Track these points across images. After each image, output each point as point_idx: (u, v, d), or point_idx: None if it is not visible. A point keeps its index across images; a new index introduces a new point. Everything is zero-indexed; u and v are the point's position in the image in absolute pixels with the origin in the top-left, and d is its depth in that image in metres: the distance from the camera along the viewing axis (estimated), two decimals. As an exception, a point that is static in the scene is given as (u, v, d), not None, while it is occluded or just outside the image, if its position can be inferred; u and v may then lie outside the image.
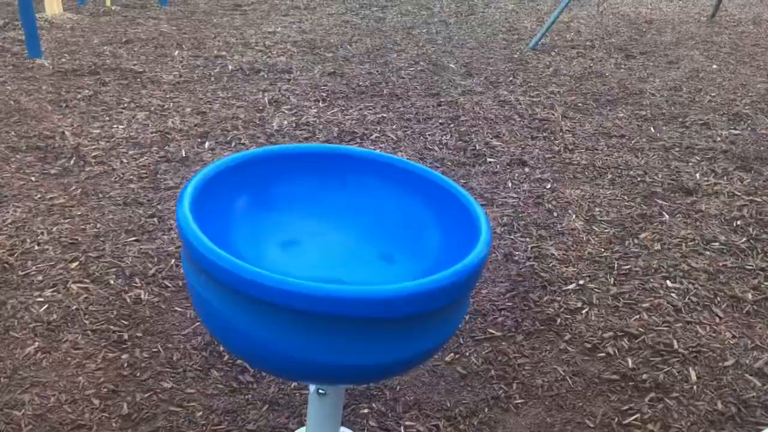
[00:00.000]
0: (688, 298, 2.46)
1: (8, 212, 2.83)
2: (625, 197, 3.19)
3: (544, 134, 3.94)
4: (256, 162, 1.39)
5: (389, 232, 1.38)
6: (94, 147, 3.51)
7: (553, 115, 4.25)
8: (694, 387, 2.04)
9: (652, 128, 4.11)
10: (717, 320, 2.35)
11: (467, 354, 2.13)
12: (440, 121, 4.06)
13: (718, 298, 2.47)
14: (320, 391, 1.36)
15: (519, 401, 1.95)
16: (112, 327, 2.18)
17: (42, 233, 2.69)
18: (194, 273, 1.12)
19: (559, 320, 2.30)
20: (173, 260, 2.54)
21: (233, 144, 3.61)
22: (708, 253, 2.77)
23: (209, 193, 1.26)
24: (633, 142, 3.88)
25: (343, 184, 1.45)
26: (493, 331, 2.23)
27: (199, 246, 1.04)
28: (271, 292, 0.98)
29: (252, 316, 1.04)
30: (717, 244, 2.83)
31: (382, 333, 1.06)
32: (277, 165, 1.43)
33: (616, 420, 1.91)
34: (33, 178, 3.14)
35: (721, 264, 2.69)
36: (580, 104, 4.47)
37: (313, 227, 1.41)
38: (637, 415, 1.93)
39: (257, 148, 1.41)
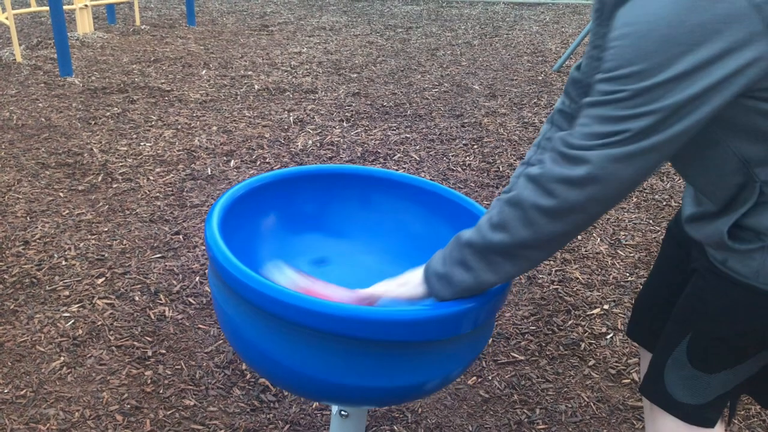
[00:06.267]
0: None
1: (37, 227, 2.87)
2: (651, 221, 3.16)
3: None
4: (283, 181, 1.40)
5: (416, 253, 1.38)
6: (121, 164, 3.56)
7: (578, 137, 4.23)
8: (722, 416, 2.00)
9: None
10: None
11: (490, 378, 2.11)
12: (464, 142, 4.07)
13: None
14: (342, 413, 1.36)
15: (542, 427, 1.93)
16: (136, 343, 2.19)
17: (69, 248, 2.72)
18: (222, 292, 1.12)
19: (583, 345, 2.28)
20: (198, 277, 2.56)
21: (258, 163, 3.64)
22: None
23: (237, 212, 1.27)
24: (658, 165, 3.85)
25: (367, 204, 1.45)
26: (516, 355, 2.22)
27: (227, 265, 1.04)
28: (296, 312, 0.98)
29: (278, 336, 1.04)
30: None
31: (406, 354, 1.06)
32: (303, 185, 1.44)
33: (642, 448, 1.88)
34: (61, 194, 3.19)
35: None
36: (604, 127, 4.45)
37: (340, 247, 1.41)
38: (663, 444, 1.89)
39: (283, 168, 1.43)
